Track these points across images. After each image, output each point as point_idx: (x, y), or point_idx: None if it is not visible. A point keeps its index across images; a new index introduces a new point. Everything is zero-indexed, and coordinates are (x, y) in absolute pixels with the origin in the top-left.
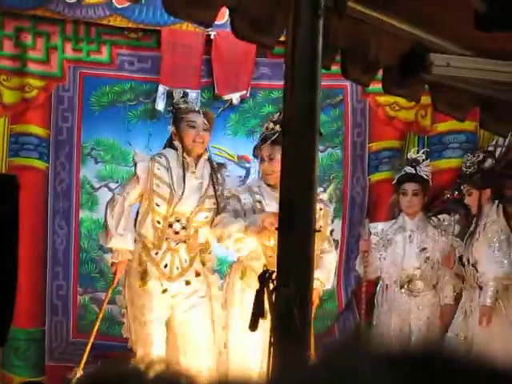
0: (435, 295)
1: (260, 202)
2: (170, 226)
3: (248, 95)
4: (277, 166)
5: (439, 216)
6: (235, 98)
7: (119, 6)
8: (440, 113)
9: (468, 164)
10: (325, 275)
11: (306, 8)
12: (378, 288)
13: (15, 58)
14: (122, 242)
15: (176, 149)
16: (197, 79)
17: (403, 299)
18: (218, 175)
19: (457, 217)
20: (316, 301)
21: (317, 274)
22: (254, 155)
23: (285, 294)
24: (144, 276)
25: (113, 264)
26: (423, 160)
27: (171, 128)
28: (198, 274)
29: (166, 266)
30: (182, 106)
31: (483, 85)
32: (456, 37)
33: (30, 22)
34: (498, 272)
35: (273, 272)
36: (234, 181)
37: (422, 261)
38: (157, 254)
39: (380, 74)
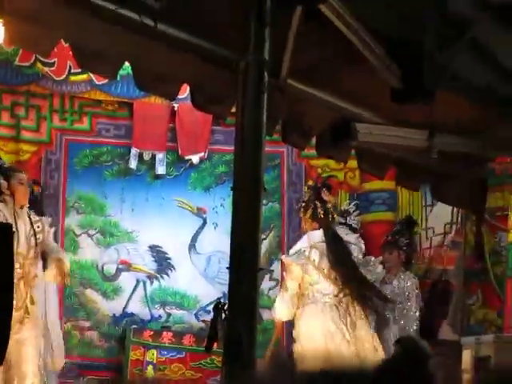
0: None
1: None
2: None
3: (206, 157)
4: None
5: (366, 257)
6: (195, 158)
7: (98, 83)
8: (364, 172)
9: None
10: None
11: (253, 85)
12: None
13: (11, 127)
14: None
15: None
16: (163, 143)
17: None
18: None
19: (380, 258)
20: None
21: None
22: None
23: (235, 323)
24: None
25: None
26: (353, 211)
27: (2, 183)
28: (26, 311)
29: None
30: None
31: (397, 149)
32: (376, 109)
33: (24, 97)
34: None
35: (225, 304)
36: (193, 228)
37: None
38: None
39: (314, 140)
